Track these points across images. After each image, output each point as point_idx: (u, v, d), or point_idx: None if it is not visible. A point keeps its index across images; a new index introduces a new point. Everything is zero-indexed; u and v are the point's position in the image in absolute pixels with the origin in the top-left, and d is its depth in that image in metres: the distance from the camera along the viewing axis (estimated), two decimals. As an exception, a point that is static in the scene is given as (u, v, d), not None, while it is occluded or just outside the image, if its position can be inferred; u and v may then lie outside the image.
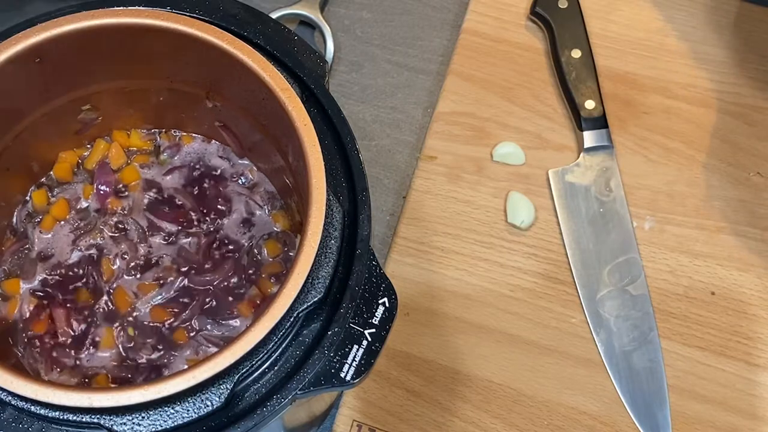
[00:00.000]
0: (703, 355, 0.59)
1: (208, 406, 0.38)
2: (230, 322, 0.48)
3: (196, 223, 0.50)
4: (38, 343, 0.47)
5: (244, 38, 0.45)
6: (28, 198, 0.50)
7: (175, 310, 0.48)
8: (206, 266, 0.49)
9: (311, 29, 0.71)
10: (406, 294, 0.61)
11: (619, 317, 0.60)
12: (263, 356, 0.40)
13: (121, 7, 0.44)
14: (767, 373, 0.59)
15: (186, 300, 0.48)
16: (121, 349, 0.47)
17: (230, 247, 0.50)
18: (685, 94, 0.68)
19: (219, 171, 0.51)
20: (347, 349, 0.41)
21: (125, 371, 0.46)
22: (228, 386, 0.38)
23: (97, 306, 0.48)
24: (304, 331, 0.41)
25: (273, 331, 0.38)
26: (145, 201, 0.50)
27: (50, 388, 0.36)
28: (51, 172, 0.51)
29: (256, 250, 0.49)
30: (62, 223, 0.50)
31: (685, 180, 0.65)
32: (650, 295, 0.61)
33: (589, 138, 0.65)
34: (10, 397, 0.38)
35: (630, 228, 0.63)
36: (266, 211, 0.51)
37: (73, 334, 0.47)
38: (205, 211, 0.50)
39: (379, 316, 0.42)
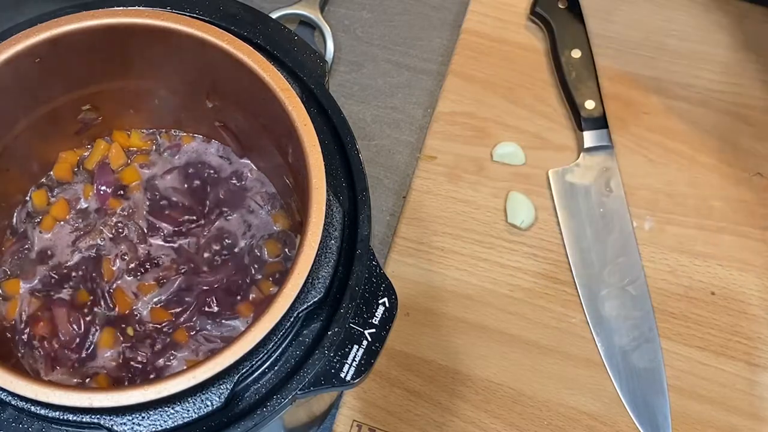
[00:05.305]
0: (703, 355, 0.59)
1: (208, 406, 0.38)
2: (230, 322, 0.48)
3: (196, 223, 0.50)
4: (38, 344, 0.47)
5: (244, 38, 0.45)
6: (28, 198, 0.50)
7: (175, 310, 0.48)
8: (206, 266, 0.49)
9: (311, 29, 0.71)
10: (406, 294, 0.61)
11: (619, 317, 0.60)
12: (263, 356, 0.40)
13: (121, 7, 0.44)
14: (767, 373, 0.59)
15: (186, 300, 0.48)
16: (121, 349, 0.47)
17: (230, 247, 0.49)
18: (685, 94, 0.68)
19: (219, 171, 0.51)
20: (347, 349, 0.41)
21: (125, 371, 0.46)
22: (228, 386, 0.38)
23: (97, 306, 0.48)
24: (304, 331, 0.41)
25: (273, 331, 0.38)
26: (146, 201, 0.50)
27: (50, 388, 0.36)
28: (51, 172, 0.51)
29: (256, 250, 0.49)
30: (62, 223, 0.50)
31: (685, 180, 0.65)
32: (650, 295, 0.61)
33: (589, 138, 0.65)
34: (10, 397, 0.38)
35: (630, 228, 0.63)
36: (266, 211, 0.51)
37: (73, 334, 0.47)
38: (204, 211, 0.50)
39: (379, 316, 0.42)
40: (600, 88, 0.66)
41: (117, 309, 0.48)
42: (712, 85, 0.68)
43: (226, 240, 0.50)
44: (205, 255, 0.49)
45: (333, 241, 0.42)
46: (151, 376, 0.46)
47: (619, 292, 0.61)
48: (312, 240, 0.39)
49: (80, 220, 0.50)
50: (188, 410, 0.38)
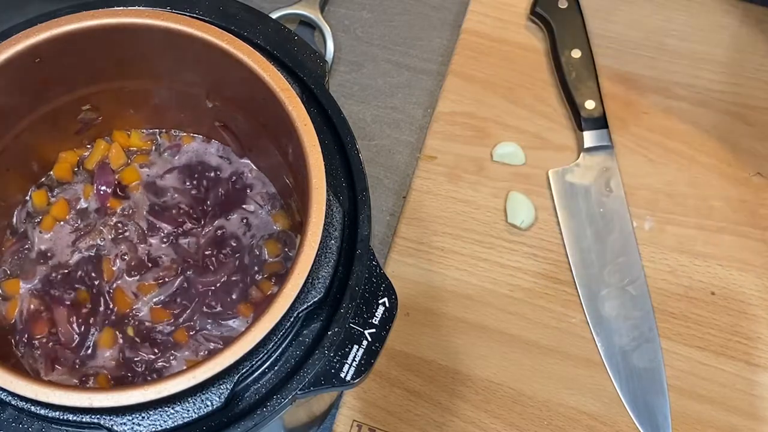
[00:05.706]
0: (703, 355, 0.59)
1: (208, 406, 0.38)
2: (230, 322, 0.48)
3: (195, 223, 0.50)
4: (38, 344, 0.47)
5: (244, 38, 0.45)
6: (28, 198, 0.50)
7: (175, 310, 0.48)
8: (206, 266, 0.49)
9: (311, 29, 0.71)
10: (406, 294, 0.61)
11: (619, 317, 0.60)
12: (263, 356, 0.40)
13: (121, 7, 0.44)
14: (767, 373, 0.59)
15: (186, 300, 0.48)
16: (121, 349, 0.47)
17: (230, 247, 0.49)
18: (685, 94, 0.68)
19: (219, 171, 0.51)
20: (347, 349, 0.41)
21: (125, 371, 0.46)
22: (228, 386, 0.38)
23: (97, 306, 0.48)
24: (304, 331, 0.41)
25: (273, 331, 0.38)
26: (146, 201, 0.50)
27: (50, 388, 0.36)
28: (51, 172, 0.51)
29: (256, 250, 0.49)
30: (62, 223, 0.50)
31: (685, 180, 0.65)
32: (650, 295, 0.61)
33: (589, 138, 0.65)
34: (10, 397, 0.38)
35: (630, 228, 0.63)
36: (266, 211, 0.51)
37: (73, 334, 0.47)
38: (204, 211, 0.50)
39: (379, 316, 0.42)
40: (600, 88, 0.66)
41: (117, 309, 0.48)
42: (712, 85, 0.68)
43: (226, 240, 0.50)
44: (205, 255, 0.49)
45: (333, 241, 0.42)
46: (151, 376, 0.46)
47: (619, 292, 0.61)
48: (312, 240, 0.39)
49: (80, 220, 0.50)
50: (188, 410, 0.38)
